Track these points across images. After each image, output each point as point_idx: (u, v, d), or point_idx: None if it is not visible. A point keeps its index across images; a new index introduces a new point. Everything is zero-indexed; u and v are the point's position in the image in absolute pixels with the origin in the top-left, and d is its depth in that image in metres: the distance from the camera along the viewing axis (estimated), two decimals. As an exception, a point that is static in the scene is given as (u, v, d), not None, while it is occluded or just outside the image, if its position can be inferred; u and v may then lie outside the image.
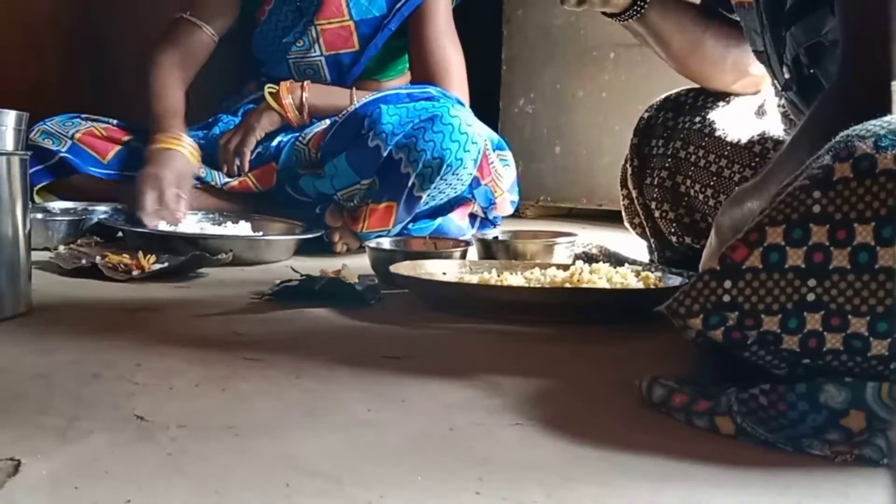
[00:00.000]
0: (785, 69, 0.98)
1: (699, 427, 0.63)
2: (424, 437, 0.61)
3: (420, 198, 1.53)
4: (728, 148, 1.20)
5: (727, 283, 0.62)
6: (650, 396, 0.67)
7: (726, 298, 0.62)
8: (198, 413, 0.65)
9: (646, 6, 1.19)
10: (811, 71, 0.94)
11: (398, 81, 1.87)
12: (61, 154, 1.68)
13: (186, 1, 1.80)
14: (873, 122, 0.61)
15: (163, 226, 1.49)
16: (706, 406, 0.63)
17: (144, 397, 0.68)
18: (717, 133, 1.21)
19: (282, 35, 1.80)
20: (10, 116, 0.95)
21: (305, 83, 1.73)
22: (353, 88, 1.76)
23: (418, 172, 1.49)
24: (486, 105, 2.43)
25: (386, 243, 1.32)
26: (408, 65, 1.85)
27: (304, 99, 1.71)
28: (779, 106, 1.13)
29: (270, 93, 1.72)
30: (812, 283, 0.60)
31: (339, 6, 1.76)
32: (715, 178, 1.20)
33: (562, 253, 1.33)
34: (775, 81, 1.06)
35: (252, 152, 1.71)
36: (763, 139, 1.17)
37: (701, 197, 1.22)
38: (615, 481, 0.54)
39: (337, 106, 1.69)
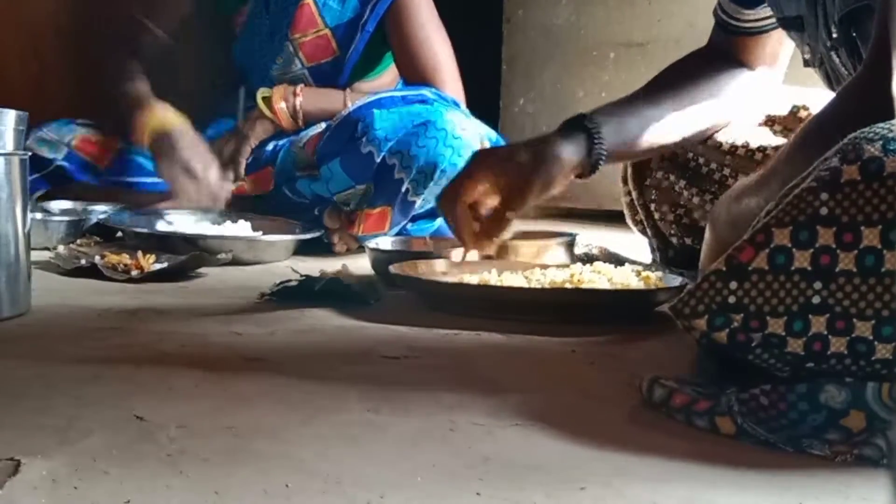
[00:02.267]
0: (834, 28, 0.96)
1: (699, 427, 0.63)
2: (424, 437, 0.61)
3: (414, 202, 1.53)
4: (728, 157, 1.19)
5: (733, 284, 0.62)
6: (650, 396, 0.67)
7: (731, 300, 0.62)
8: (198, 413, 0.64)
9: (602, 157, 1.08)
10: (854, 34, 0.93)
11: (387, 76, 1.85)
12: (58, 162, 1.68)
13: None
14: (882, 124, 0.61)
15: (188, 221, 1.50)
16: (706, 406, 0.63)
17: (144, 397, 0.68)
18: (718, 139, 1.21)
19: (259, 52, 1.78)
20: (10, 116, 0.95)
21: (298, 88, 1.71)
22: (348, 90, 1.74)
23: (412, 178, 1.49)
24: (486, 105, 2.43)
25: (386, 243, 1.32)
26: (393, 60, 1.82)
27: (297, 105, 1.69)
28: (819, 68, 1.06)
29: (264, 97, 1.71)
30: (818, 285, 0.60)
31: (311, 17, 1.73)
32: (717, 186, 1.20)
33: (562, 253, 1.33)
34: (808, 48, 1.04)
35: (250, 155, 1.71)
36: (763, 148, 1.17)
37: (696, 200, 1.22)
38: (615, 481, 0.54)
39: (331, 110, 1.67)
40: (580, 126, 1.09)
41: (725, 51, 1.19)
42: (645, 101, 1.13)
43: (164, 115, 1.61)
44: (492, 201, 1.09)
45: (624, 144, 1.11)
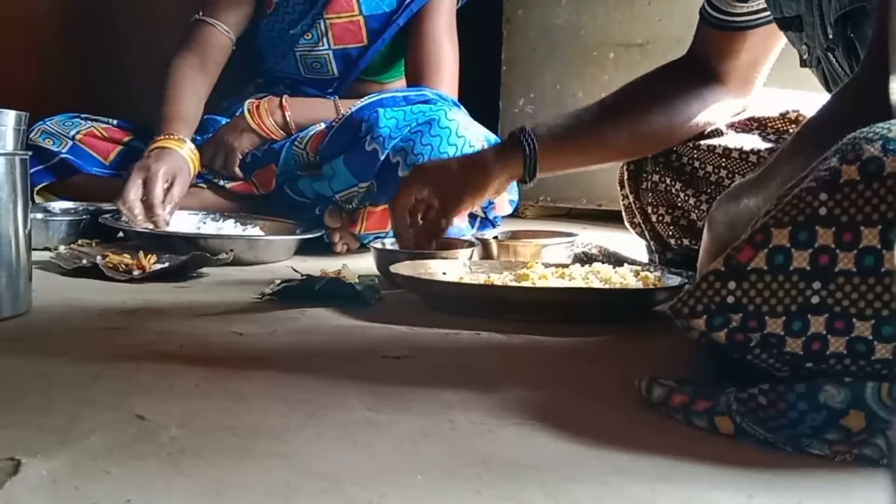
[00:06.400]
0: (830, 29, 0.97)
1: (698, 427, 0.63)
2: (424, 437, 0.61)
3: None
4: (724, 160, 1.19)
5: (731, 284, 0.62)
6: (649, 396, 0.67)
7: (730, 300, 0.62)
8: (198, 413, 0.65)
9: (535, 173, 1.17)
10: (851, 34, 0.93)
11: (399, 83, 1.87)
12: (62, 155, 1.69)
13: (201, 1, 1.78)
14: (882, 124, 0.61)
15: (142, 224, 1.45)
16: (705, 406, 0.63)
17: (144, 397, 0.68)
18: (713, 143, 1.21)
19: (289, 27, 1.80)
20: (10, 116, 0.95)
21: (284, 100, 1.72)
22: (336, 97, 1.76)
23: None
24: (486, 105, 2.43)
25: (390, 244, 1.32)
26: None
27: (288, 118, 1.70)
28: (816, 68, 1.08)
29: (249, 111, 1.71)
30: (817, 285, 0.60)
31: (348, 0, 1.76)
32: (713, 187, 1.20)
33: (561, 253, 1.33)
34: (804, 48, 1.04)
35: (248, 155, 1.71)
36: (757, 150, 1.17)
37: (693, 202, 1.22)
38: (615, 481, 0.54)
39: (321, 119, 1.69)
40: (517, 142, 1.17)
41: (703, 59, 1.20)
42: (598, 120, 1.20)
43: (170, 142, 1.58)
44: (430, 207, 1.20)
45: (562, 161, 1.20)
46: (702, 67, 1.20)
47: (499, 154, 1.19)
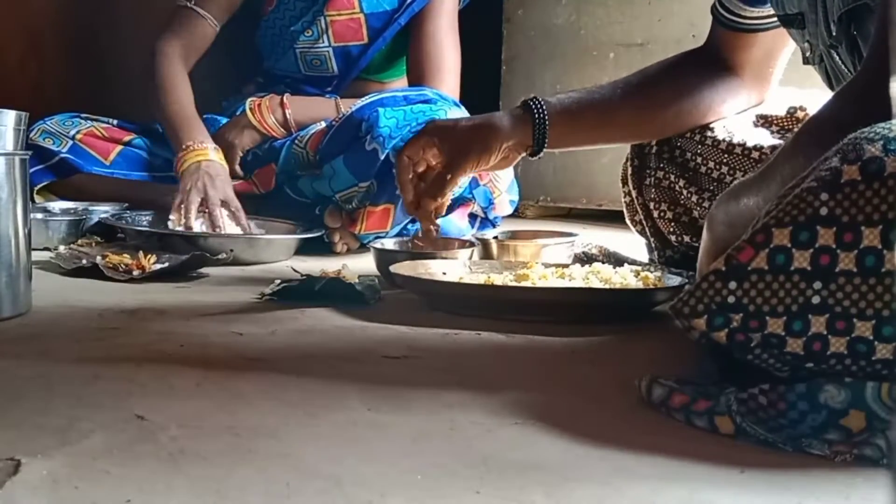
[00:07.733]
0: (833, 26, 0.97)
1: (698, 427, 0.63)
2: (424, 437, 0.61)
3: None
4: (726, 156, 1.19)
5: (732, 284, 0.62)
6: (649, 396, 0.67)
7: (731, 300, 0.62)
8: (198, 413, 0.64)
9: (545, 143, 1.16)
10: (854, 32, 0.93)
11: (399, 83, 1.87)
12: (62, 155, 1.69)
13: None
14: (882, 124, 0.61)
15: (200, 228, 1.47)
16: (705, 406, 0.63)
17: (144, 397, 0.68)
18: (718, 137, 1.21)
19: (289, 24, 1.80)
20: (10, 116, 0.95)
21: (285, 98, 1.72)
22: (338, 98, 1.76)
23: None
24: (487, 105, 2.43)
25: (390, 244, 1.32)
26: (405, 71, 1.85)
27: (288, 116, 1.71)
28: (818, 66, 1.08)
29: (251, 108, 1.71)
30: (818, 285, 0.60)
31: None
32: (716, 184, 1.20)
33: (561, 253, 1.33)
34: (808, 45, 1.04)
35: (248, 153, 1.72)
36: (760, 147, 1.17)
37: (695, 199, 1.22)
38: (615, 481, 0.54)
39: (321, 118, 1.70)
40: (528, 107, 1.16)
41: (717, 52, 1.20)
42: (610, 97, 1.19)
43: (204, 154, 1.58)
44: (436, 164, 1.18)
45: (571, 134, 1.19)
46: (718, 59, 1.21)
47: (509, 119, 1.17)
